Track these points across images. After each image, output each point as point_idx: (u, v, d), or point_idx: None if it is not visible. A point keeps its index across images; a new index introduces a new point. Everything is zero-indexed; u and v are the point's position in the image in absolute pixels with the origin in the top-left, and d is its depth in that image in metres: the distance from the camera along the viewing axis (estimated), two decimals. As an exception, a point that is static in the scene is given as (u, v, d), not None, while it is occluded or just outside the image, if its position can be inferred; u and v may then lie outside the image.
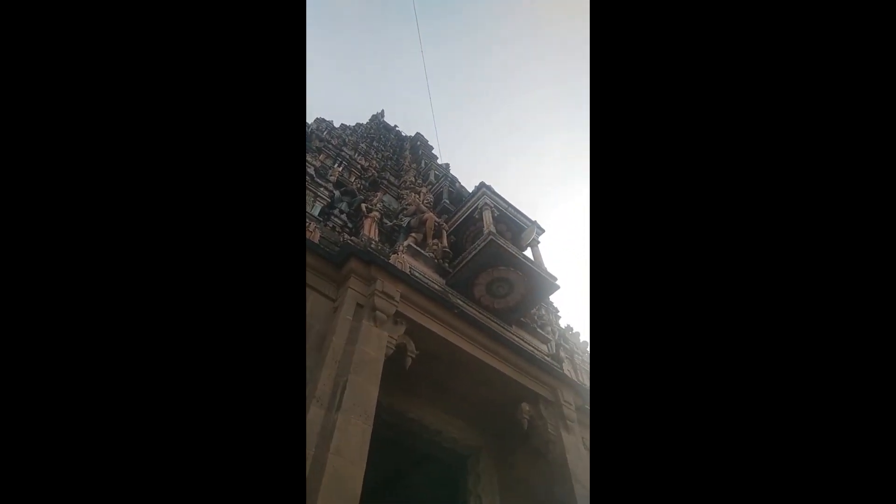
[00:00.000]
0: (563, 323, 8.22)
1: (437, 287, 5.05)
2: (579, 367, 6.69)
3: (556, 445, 4.81)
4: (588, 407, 5.77)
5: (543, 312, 7.22)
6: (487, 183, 6.43)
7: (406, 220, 6.27)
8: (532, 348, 5.46)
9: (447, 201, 7.21)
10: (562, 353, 6.20)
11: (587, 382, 6.56)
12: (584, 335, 8.41)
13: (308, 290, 3.93)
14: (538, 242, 6.34)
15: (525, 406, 4.96)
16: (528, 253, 5.98)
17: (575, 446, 4.96)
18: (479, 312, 5.22)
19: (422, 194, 6.95)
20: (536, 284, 5.37)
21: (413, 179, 8.58)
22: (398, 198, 7.74)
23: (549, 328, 6.80)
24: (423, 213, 6.15)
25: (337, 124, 10.28)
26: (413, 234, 5.76)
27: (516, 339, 5.32)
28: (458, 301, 5.04)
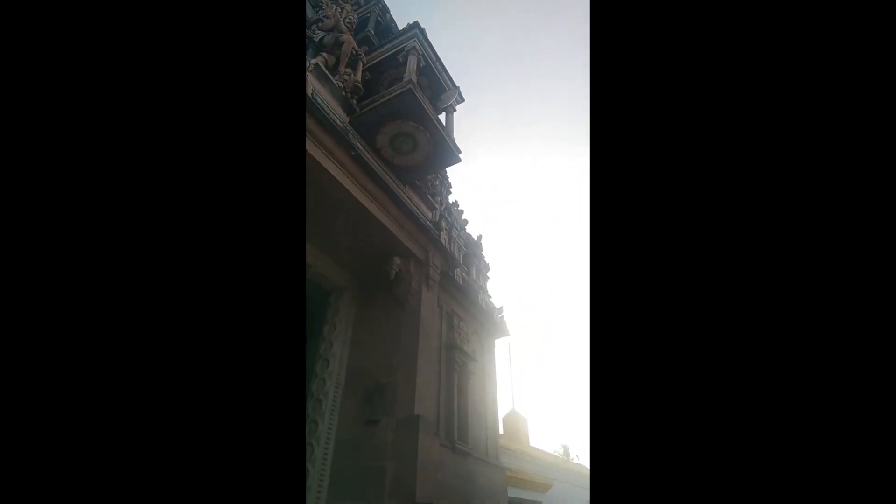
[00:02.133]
0: (451, 198, 8.52)
1: (338, 122, 4.64)
2: (454, 240, 7.19)
3: (414, 299, 5.32)
4: (451, 274, 6.37)
5: (437, 183, 7.32)
6: (423, 26, 5.72)
7: (320, 34, 5.37)
8: (418, 211, 5.60)
9: (372, 31, 6.30)
10: (443, 224, 6.52)
11: (456, 254, 7.15)
12: (467, 214, 8.91)
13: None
14: (454, 110, 6.11)
15: (397, 260, 5.24)
16: (442, 118, 5.76)
17: (430, 303, 5.55)
18: (377, 163, 5.04)
19: (345, 11, 5.91)
20: (441, 151, 5.30)
21: (338, -10, 7.17)
22: (315, 6, 6.48)
23: (439, 198, 6.99)
24: (342, 33, 5.31)
25: None
26: (325, 55, 5.01)
27: (406, 198, 5.37)
28: (358, 144, 4.76)
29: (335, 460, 4.55)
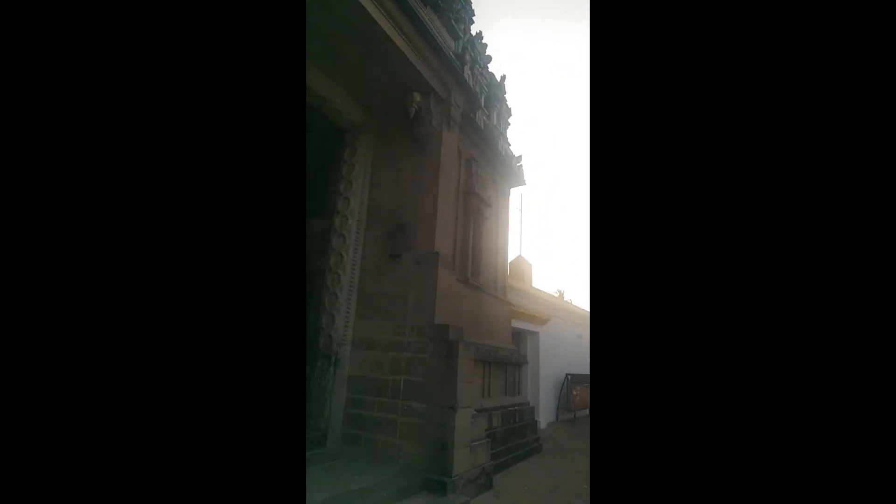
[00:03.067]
0: (474, 29, 7.54)
1: (349, -87, 3.80)
2: (477, 78, 6.60)
3: (434, 139, 5.13)
4: (472, 116, 6.02)
5: (460, 7, 6.39)
6: None
7: None
8: (441, 39, 5.01)
9: None
10: (466, 57, 5.91)
11: (478, 93, 6.65)
12: (490, 49, 8.00)
13: None
14: None
15: (416, 96, 4.90)
16: (473, -86, 4.69)
17: (451, 146, 5.37)
18: (395, -27, 4.29)
19: None
20: (470, -40, 4.46)
21: None
22: None
23: (462, 26, 6.19)
24: None
25: None
26: None
27: (428, 22, 4.74)
28: (374, -54, 3.98)
29: (361, 287, 5.00)
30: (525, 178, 7.88)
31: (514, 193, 7.85)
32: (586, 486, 4.99)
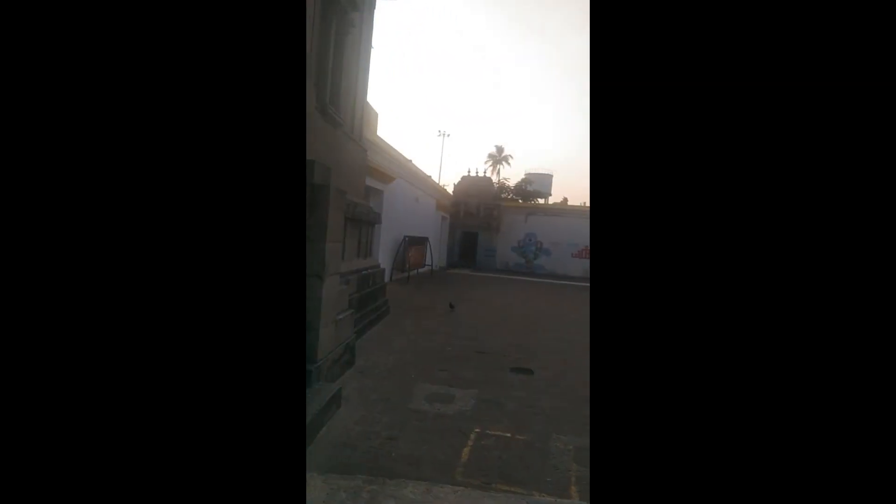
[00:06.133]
0: None
1: None
2: None
3: None
4: None
5: None
6: None
7: None
8: None
9: None
10: None
11: None
12: None
13: None
14: None
15: None
16: None
17: None
18: None
19: None
20: None
21: None
22: None
23: None
24: None
25: None
26: None
27: None
28: None
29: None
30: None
31: (380, 11, 5.93)
32: (450, 349, 4.83)
